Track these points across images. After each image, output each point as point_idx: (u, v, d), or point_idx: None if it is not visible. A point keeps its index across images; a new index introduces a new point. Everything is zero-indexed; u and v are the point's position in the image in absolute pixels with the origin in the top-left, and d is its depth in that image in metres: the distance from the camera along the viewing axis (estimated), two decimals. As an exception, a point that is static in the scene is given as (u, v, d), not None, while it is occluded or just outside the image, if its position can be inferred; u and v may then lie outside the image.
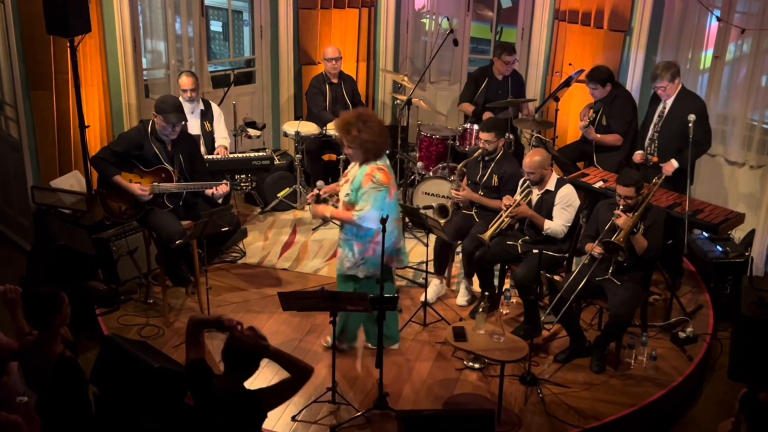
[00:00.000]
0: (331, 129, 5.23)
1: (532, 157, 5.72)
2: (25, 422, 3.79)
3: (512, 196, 5.91)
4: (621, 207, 5.34)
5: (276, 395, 3.77)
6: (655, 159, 6.44)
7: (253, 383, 3.78)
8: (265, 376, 4.76)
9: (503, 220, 5.75)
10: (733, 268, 6.37)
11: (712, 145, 6.58)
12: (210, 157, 6.79)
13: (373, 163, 5.10)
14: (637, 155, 6.61)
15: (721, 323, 6.14)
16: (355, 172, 5.19)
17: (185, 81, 6.76)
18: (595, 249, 5.36)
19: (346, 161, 6.63)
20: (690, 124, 6.00)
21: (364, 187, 5.06)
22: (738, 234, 6.95)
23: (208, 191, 5.83)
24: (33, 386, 4.13)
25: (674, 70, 6.31)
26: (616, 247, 5.20)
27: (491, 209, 6.06)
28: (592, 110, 6.98)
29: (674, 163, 6.29)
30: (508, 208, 5.75)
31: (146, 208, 5.80)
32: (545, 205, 5.76)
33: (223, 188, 5.82)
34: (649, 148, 6.53)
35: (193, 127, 6.81)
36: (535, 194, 5.82)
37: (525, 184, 5.85)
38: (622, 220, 5.27)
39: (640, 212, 5.29)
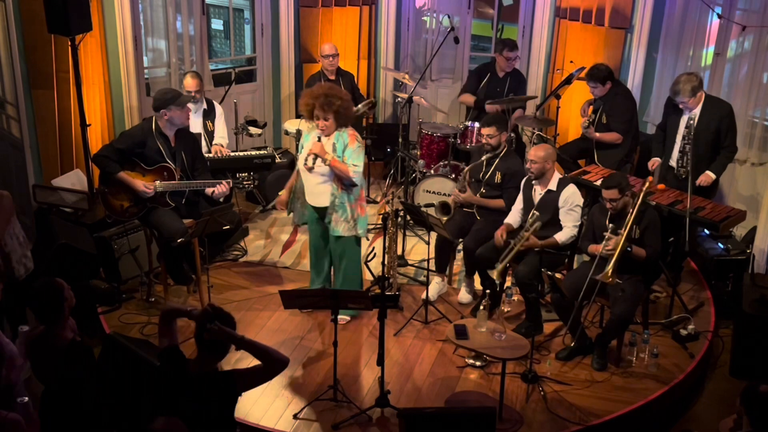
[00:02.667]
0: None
1: (537, 151, 5.73)
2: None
3: (514, 193, 5.91)
4: (609, 211, 5.34)
5: (249, 379, 3.83)
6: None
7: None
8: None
9: (513, 253, 5.67)
10: (734, 266, 6.36)
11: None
12: (211, 155, 6.80)
13: (346, 128, 5.56)
14: (652, 162, 6.60)
15: (722, 320, 6.13)
16: (328, 142, 5.51)
17: (190, 82, 6.76)
18: (609, 244, 5.30)
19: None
20: (692, 122, 6.00)
21: (351, 146, 5.51)
22: (739, 231, 6.95)
23: (209, 190, 5.82)
24: (42, 378, 4.14)
25: (695, 84, 6.15)
26: (605, 282, 5.23)
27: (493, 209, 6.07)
28: (591, 107, 6.97)
29: (711, 175, 6.26)
30: (515, 243, 5.65)
31: (148, 206, 5.80)
32: (549, 204, 5.75)
33: (222, 188, 5.82)
34: (680, 161, 6.44)
35: (196, 125, 6.82)
36: (538, 192, 5.82)
37: (534, 219, 5.78)
38: (612, 244, 5.25)
39: (629, 225, 5.23)
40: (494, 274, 5.67)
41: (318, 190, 5.62)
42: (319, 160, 5.47)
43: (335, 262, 5.84)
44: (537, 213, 5.67)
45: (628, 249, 5.25)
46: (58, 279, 4.16)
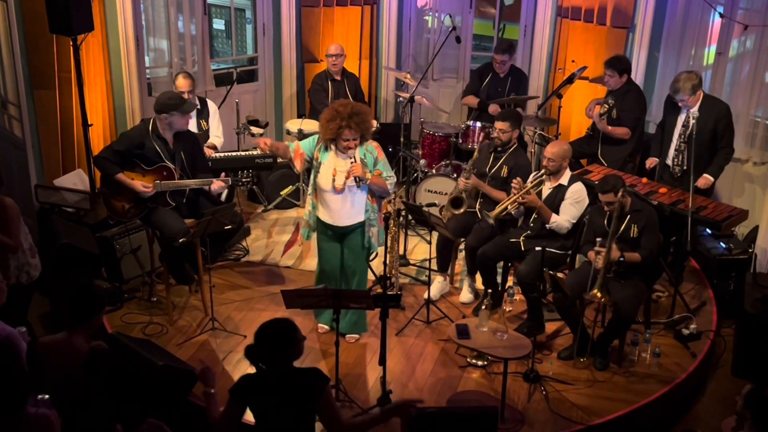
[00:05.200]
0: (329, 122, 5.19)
1: (553, 147, 5.74)
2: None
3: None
4: (607, 213, 5.36)
5: (330, 413, 3.74)
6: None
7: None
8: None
9: (512, 201, 5.72)
10: (736, 265, 6.35)
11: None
12: (216, 155, 6.82)
13: (367, 141, 5.38)
14: (650, 161, 6.61)
15: (724, 320, 6.13)
16: (357, 156, 5.29)
17: (182, 83, 6.74)
18: (598, 260, 5.30)
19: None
20: (693, 120, 6.01)
21: (381, 158, 5.38)
22: (741, 231, 6.95)
23: (213, 186, 5.82)
24: (50, 385, 4.11)
25: (695, 82, 6.16)
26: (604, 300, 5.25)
27: (496, 202, 6.07)
28: (598, 105, 6.96)
29: (709, 178, 6.27)
30: (518, 191, 5.73)
31: (149, 206, 5.81)
32: (556, 200, 5.76)
33: (219, 184, 5.83)
34: (676, 159, 6.44)
35: (190, 125, 6.82)
36: (547, 187, 5.82)
37: (540, 173, 5.83)
38: (601, 259, 5.24)
39: (609, 247, 5.21)
40: (491, 215, 5.73)
41: (350, 210, 5.36)
42: (350, 179, 5.24)
43: (347, 278, 5.62)
44: (543, 171, 5.76)
45: (621, 259, 5.26)
46: (97, 284, 4.16)
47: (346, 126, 5.14)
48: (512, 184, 5.80)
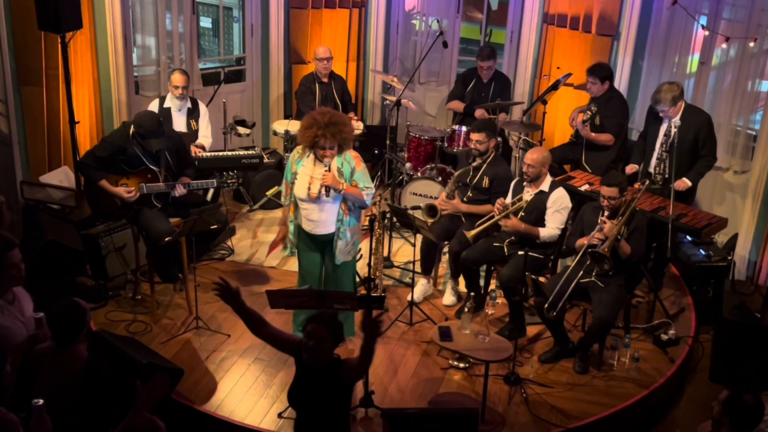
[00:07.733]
0: (306, 128, 5.11)
1: (533, 154, 5.78)
2: (36, 425, 3.76)
3: (503, 198, 5.96)
4: (605, 210, 5.41)
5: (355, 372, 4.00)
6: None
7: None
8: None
9: (491, 223, 5.79)
10: (715, 272, 6.43)
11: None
12: (203, 154, 6.83)
13: (347, 150, 5.27)
14: (630, 168, 6.69)
15: (703, 326, 6.20)
16: (334, 165, 5.19)
17: (178, 78, 6.79)
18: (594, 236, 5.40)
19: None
20: (675, 128, 6.09)
21: (359, 169, 5.26)
22: (721, 238, 7.03)
23: (175, 193, 5.88)
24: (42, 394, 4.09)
25: (676, 94, 6.24)
26: (602, 256, 5.27)
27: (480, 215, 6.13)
28: (582, 113, 7.03)
29: (687, 182, 6.36)
30: (500, 212, 5.78)
31: (135, 208, 5.83)
32: (538, 205, 5.82)
33: (179, 190, 5.89)
34: (657, 168, 6.52)
35: (180, 124, 6.86)
36: (528, 194, 5.87)
37: (517, 194, 5.88)
38: (607, 227, 5.33)
39: (625, 218, 5.35)
40: (469, 235, 5.77)
41: (324, 219, 5.26)
42: (325, 187, 5.17)
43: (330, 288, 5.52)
44: (524, 197, 5.83)
45: (619, 237, 5.32)
46: (81, 303, 4.15)
47: (322, 135, 5.05)
48: (496, 206, 5.84)
